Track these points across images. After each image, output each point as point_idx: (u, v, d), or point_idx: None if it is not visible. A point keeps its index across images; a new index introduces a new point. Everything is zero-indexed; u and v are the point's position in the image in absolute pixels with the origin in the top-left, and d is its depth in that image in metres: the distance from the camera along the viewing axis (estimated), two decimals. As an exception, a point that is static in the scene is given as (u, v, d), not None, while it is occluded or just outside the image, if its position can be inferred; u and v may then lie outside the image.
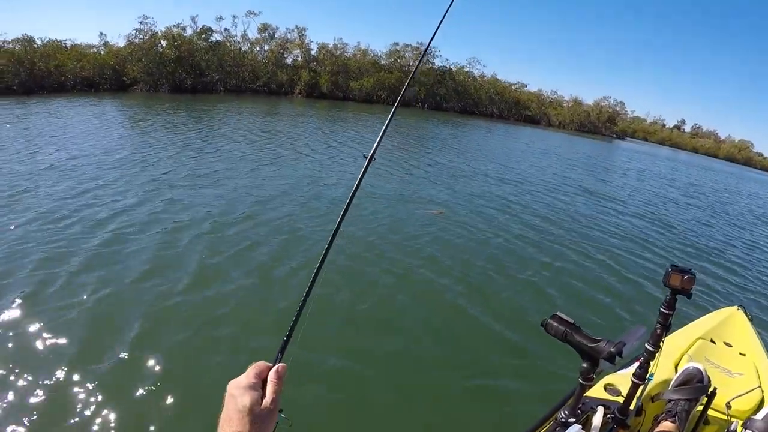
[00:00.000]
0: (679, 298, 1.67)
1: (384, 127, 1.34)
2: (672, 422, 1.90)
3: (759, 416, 1.81)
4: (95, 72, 35.89)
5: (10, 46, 35.66)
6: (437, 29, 1.64)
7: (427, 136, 24.89)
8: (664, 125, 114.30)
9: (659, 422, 1.94)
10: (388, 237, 7.49)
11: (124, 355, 4.00)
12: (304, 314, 1.10)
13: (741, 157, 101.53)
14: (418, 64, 2.22)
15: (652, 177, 24.35)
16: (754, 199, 25.61)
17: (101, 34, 44.77)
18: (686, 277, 1.60)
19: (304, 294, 1.09)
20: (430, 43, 1.74)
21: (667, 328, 1.67)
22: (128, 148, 12.60)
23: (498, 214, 9.84)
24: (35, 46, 36.64)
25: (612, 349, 1.42)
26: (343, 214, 1.17)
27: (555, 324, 1.55)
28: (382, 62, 49.37)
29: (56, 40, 38.10)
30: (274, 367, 0.94)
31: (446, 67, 53.62)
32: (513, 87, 61.12)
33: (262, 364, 0.94)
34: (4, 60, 33.19)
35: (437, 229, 8.16)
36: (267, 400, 0.87)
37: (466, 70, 56.46)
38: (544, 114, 62.31)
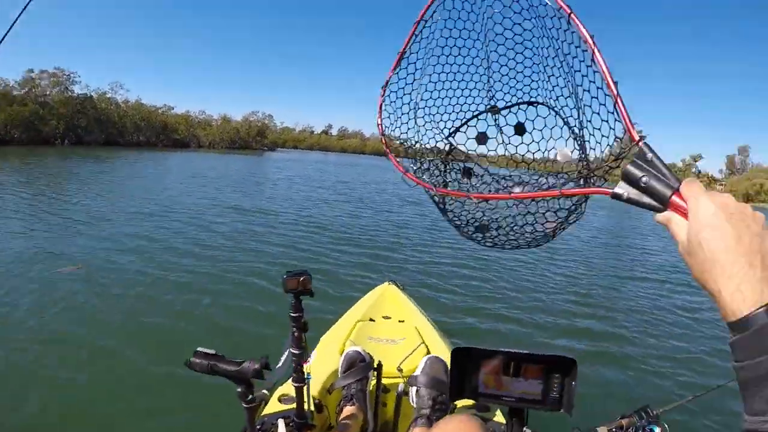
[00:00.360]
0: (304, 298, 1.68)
1: None
2: (352, 405, 2.00)
3: (418, 371, 2.04)
4: None
5: None
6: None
7: (63, 178, 21.49)
8: (312, 132, 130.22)
9: (341, 409, 2.03)
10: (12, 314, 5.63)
11: None
12: None
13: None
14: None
15: (302, 182, 25.06)
16: (400, 185, 29.41)
17: None
18: (302, 278, 1.63)
19: None
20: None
21: (303, 328, 1.69)
22: None
23: (144, 251, 8.63)
24: None
25: (256, 366, 1.43)
26: None
27: (198, 360, 1.48)
28: (15, 93, 44.04)
29: None
30: None
31: (87, 94, 51.43)
32: (160, 110, 61.76)
33: None
34: None
35: (78, 285, 6.59)
36: None
37: (108, 96, 54.90)
38: (193, 135, 64.08)
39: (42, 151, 35.85)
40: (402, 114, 1.41)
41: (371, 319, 2.91)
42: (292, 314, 1.69)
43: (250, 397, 1.52)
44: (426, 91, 1.43)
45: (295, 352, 1.72)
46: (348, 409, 2.02)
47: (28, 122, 42.62)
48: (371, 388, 2.16)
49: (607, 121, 0.91)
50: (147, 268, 7.62)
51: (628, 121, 0.84)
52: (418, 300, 3.48)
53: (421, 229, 12.86)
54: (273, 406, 2.09)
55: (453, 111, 1.44)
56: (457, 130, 1.45)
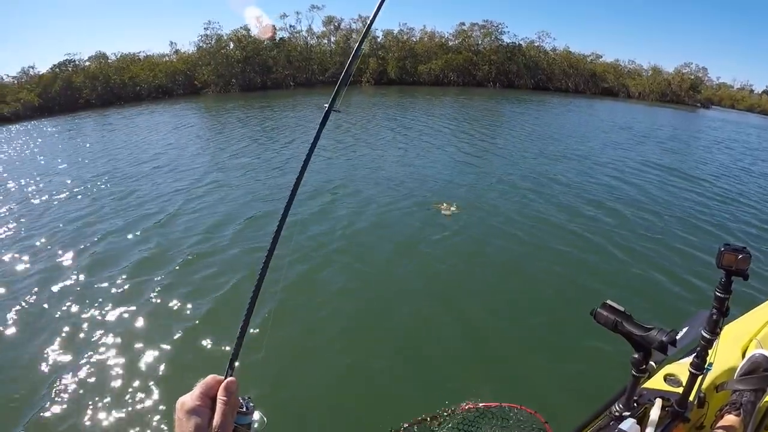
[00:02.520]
0: (735, 280, 1.51)
1: (341, 77, 1.14)
2: (736, 415, 1.75)
3: None
4: (168, 79, 36.69)
5: (87, 63, 36.84)
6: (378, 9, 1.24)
7: (487, 115, 24.58)
8: (752, 91, 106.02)
9: (723, 414, 1.80)
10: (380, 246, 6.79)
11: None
12: (265, 321, 2.08)
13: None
14: (360, 42, 1.30)
15: (739, 149, 20.50)
16: None
17: (171, 43, 46.15)
18: (741, 256, 1.44)
19: (249, 301, 0.98)
20: (371, 23, 1.26)
21: (724, 313, 1.53)
22: (188, 148, 14.25)
23: (536, 196, 9.01)
24: (109, 61, 37.71)
25: (663, 338, 1.37)
26: (296, 186, 1.03)
27: (605, 313, 1.50)
28: (450, 43, 48.87)
29: (129, 53, 39.22)
30: (223, 384, 0.83)
31: (515, 43, 51.64)
32: (588, 59, 57.77)
33: (210, 379, 0.84)
34: (81, 77, 34.40)
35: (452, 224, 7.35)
36: (215, 423, 0.78)
37: (536, 44, 54.16)
38: (622, 85, 58.32)
39: (473, 91, 40.15)
40: None
41: None
42: (718, 293, 1.54)
43: (643, 366, 1.50)
44: None
45: (706, 336, 1.60)
46: (729, 418, 1.77)
47: (462, 68, 46.61)
48: (762, 404, 1.87)
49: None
50: (544, 212, 8.03)
51: None
52: None
53: None
54: (656, 382, 2.01)
55: None
56: None
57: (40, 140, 18.98)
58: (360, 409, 3.64)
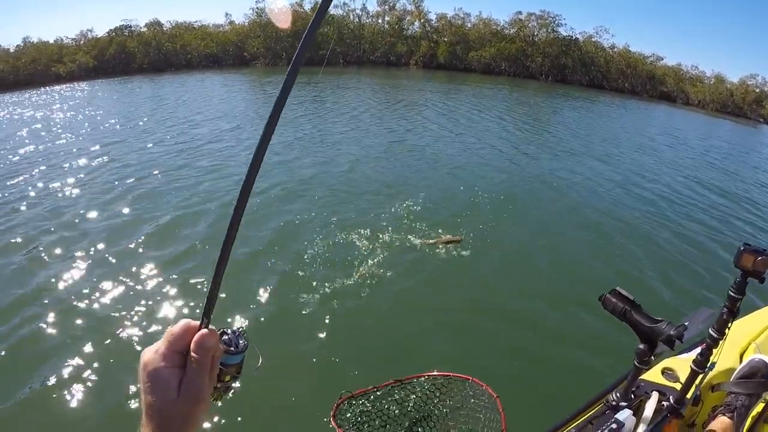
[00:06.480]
0: (750, 281, 1.43)
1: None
2: (729, 417, 1.74)
3: None
4: (218, 49, 37.14)
5: (143, 29, 37.63)
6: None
7: (533, 107, 24.19)
8: None
9: (716, 415, 1.79)
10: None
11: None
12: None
13: None
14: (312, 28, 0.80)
15: None
16: None
17: (227, 14, 47.08)
18: (760, 258, 1.37)
19: (225, 235, 0.77)
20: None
21: (734, 313, 1.47)
22: (236, 116, 15.38)
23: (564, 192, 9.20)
24: (164, 28, 38.38)
25: (672, 332, 1.35)
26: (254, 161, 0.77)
27: (614, 300, 1.48)
28: (505, 32, 47.50)
29: (184, 21, 40.01)
30: (195, 338, 0.63)
31: (572, 36, 49.59)
32: (647, 59, 55.08)
33: (180, 329, 0.64)
34: (135, 43, 35.10)
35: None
36: (188, 390, 0.62)
37: (593, 40, 51.96)
38: (681, 91, 55.52)
39: (524, 83, 39.23)
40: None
41: None
42: (732, 293, 1.47)
43: (647, 358, 1.47)
44: None
45: (714, 335, 1.53)
46: (722, 420, 1.76)
47: (515, 57, 45.39)
48: (755, 412, 1.83)
49: None
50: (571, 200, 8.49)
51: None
52: None
53: None
54: (653, 375, 2.00)
55: None
56: None
57: (95, 99, 20.09)
58: (324, 370, 3.84)
